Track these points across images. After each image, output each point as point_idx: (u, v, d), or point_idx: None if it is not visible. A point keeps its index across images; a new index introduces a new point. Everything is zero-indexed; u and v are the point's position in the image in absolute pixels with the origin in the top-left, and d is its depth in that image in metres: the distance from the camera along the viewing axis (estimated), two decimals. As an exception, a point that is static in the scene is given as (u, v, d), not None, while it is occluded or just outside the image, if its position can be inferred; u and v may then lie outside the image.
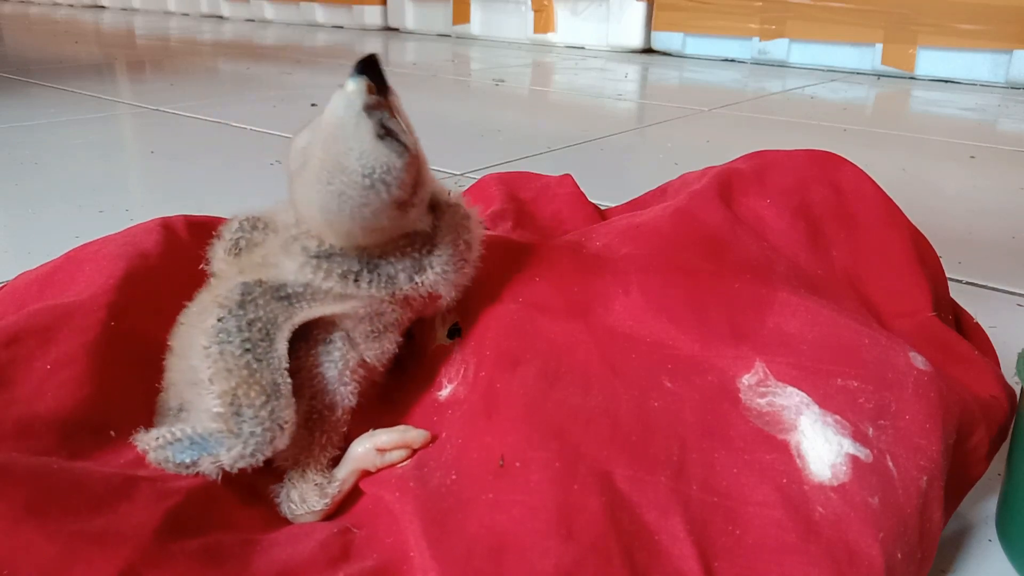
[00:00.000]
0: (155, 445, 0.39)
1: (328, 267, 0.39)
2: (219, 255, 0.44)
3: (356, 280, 0.40)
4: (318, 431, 0.41)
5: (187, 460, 0.39)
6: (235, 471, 0.39)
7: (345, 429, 0.43)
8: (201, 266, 0.45)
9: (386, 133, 0.37)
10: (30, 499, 0.33)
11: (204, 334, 0.38)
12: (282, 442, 0.39)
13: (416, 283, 0.41)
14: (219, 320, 0.38)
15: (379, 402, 0.46)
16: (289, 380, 0.39)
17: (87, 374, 0.44)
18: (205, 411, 0.38)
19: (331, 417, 0.42)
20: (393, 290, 0.41)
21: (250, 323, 0.38)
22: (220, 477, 0.39)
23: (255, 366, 0.38)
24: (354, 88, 0.37)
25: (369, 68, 0.37)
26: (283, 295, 0.39)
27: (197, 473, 0.39)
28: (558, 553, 0.34)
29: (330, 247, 0.40)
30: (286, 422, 0.38)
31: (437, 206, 0.43)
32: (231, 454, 0.38)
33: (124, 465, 0.41)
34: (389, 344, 0.43)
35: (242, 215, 0.45)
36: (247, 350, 0.38)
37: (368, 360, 0.42)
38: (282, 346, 0.39)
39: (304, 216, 0.39)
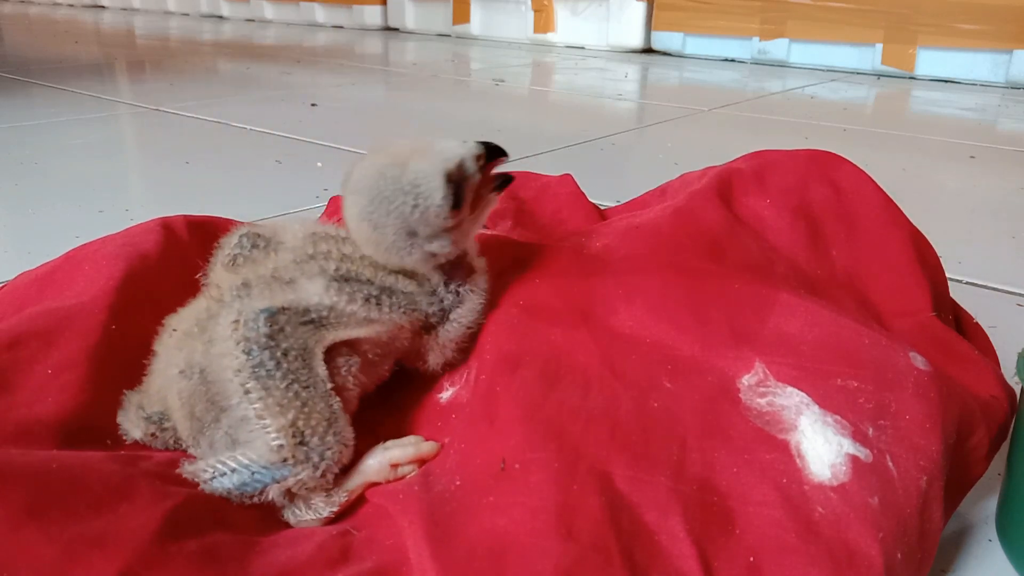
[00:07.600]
0: (207, 477, 0.39)
1: (351, 291, 0.40)
2: (217, 266, 0.44)
3: (378, 304, 0.41)
4: None
5: (249, 491, 0.38)
6: (304, 493, 0.39)
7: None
8: (198, 275, 0.45)
9: (455, 185, 0.41)
10: (30, 501, 0.33)
11: (235, 370, 0.37)
12: (347, 457, 0.40)
13: (438, 318, 0.44)
14: (248, 354, 0.37)
15: (381, 403, 0.46)
16: (338, 399, 0.39)
17: (88, 378, 0.44)
18: (263, 444, 0.37)
19: None
20: (412, 317, 0.42)
21: (285, 353, 0.38)
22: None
23: (304, 395, 0.38)
24: (470, 148, 0.41)
25: (496, 153, 0.42)
26: (308, 320, 0.39)
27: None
28: (558, 553, 0.34)
29: (347, 270, 0.41)
30: (350, 439, 0.39)
31: (468, 266, 0.45)
32: (301, 478, 0.38)
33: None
34: (384, 372, 0.44)
35: (243, 229, 0.45)
36: (292, 382, 0.38)
37: (363, 380, 0.43)
38: (321, 370, 0.39)
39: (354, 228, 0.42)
